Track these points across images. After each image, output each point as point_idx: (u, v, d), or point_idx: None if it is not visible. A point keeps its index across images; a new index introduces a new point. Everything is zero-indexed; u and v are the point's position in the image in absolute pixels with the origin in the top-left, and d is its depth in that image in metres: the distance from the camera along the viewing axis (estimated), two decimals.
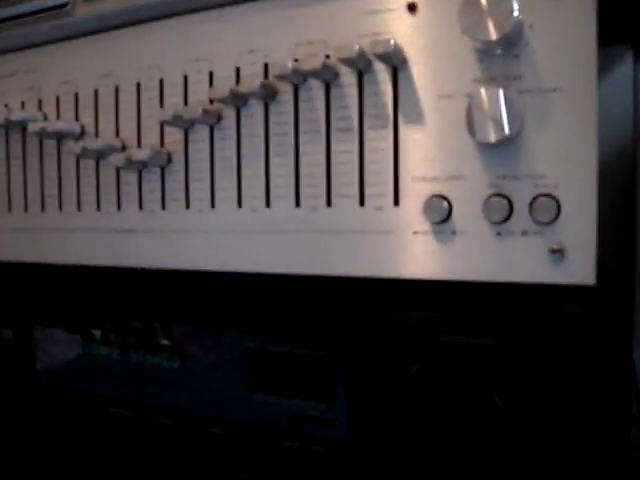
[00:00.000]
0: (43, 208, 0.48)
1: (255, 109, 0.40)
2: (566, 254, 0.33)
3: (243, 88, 0.38)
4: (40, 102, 0.48)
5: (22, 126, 0.48)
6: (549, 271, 0.33)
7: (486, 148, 0.34)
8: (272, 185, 0.39)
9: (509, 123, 0.32)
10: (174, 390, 0.44)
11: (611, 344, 0.38)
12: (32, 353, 0.50)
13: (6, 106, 0.49)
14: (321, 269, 0.38)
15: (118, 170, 0.44)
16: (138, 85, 0.44)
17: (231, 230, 0.40)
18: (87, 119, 0.46)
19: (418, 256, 0.36)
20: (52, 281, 0.50)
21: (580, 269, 0.33)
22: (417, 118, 0.36)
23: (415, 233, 0.36)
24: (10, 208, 0.50)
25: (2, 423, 0.52)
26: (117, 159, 0.42)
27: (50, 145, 0.48)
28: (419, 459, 0.37)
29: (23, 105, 0.49)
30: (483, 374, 0.35)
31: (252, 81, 0.37)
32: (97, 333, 0.48)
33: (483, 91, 0.32)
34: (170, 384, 0.44)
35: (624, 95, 0.56)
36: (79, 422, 0.48)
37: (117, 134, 0.45)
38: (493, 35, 0.32)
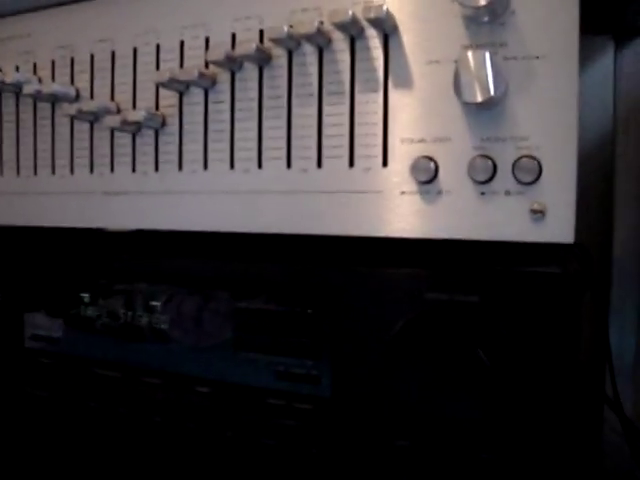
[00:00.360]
0: (35, 171, 0.49)
1: (249, 73, 0.41)
2: (546, 214, 0.35)
3: (239, 51, 0.39)
4: (35, 66, 0.49)
5: (16, 90, 0.49)
6: (530, 230, 0.35)
7: (471, 111, 0.36)
8: (264, 147, 0.41)
9: (494, 85, 0.34)
10: (161, 351, 0.45)
11: (586, 308, 0.40)
12: (20, 317, 0.51)
13: (0, 70, 0.50)
14: (311, 229, 0.39)
15: (112, 133, 0.45)
16: (134, 50, 0.45)
17: (223, 191, 0.42)
18: (82, 83, 0.47)
19: (405, 215, 0.37)
20: (41, 244, 0.50)
21: (559, 228, 0.35)
22: (406, 83, 0.37)
23: (402, 193, 0.37)
24: (2, 171, 0.51)
25: None
26: (112, 120, 0.43)
27: (43, 109, 0.49)
28: (403, 415, 0.38)
29: (17, 69, 0.50)
30: (466, 330, 0.36)
31: (248, 45, 0.39)
32: (85, 295, 0.48)
33: (470, 54, 0.34)
34: (157, 345, 0.45)
35: (605, 84, 0.59)
36: (65, 385, 0.49)
37: (112, 98, 0.46)
38: (481, 1, 0.34)
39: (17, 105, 0.50)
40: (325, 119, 0.39)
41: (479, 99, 0.34)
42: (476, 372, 0.36)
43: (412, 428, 0.38)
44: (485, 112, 0.36)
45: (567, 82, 0.34)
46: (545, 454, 0.36)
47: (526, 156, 0.35)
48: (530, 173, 0.35)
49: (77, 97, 0.47)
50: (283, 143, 0.40)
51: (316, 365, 0.40)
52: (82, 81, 0.47)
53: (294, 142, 0.40)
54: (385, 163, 0.38)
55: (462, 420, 0.37)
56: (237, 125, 0.41)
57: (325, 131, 0.39)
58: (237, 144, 0.41)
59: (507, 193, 0.35)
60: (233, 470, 0.43)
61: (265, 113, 0.41)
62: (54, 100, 0.47)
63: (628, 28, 0.61)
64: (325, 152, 0.39)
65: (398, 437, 0.38)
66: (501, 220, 0.36)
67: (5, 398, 0.52)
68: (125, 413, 0.47)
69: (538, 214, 0.35)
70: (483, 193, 0.36)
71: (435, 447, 0.37)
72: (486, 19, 0.35)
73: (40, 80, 0.48)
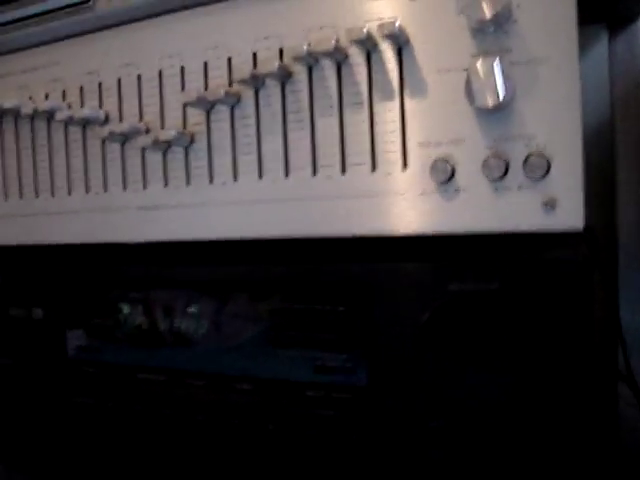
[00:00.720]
0: (70, 192, 0.52)
1: (272, 89, 0.44)
2: (557, 204, 0.38)
3: (262, 69, 0.42)
4: (64, 93, 0.52)
5: (47, 116, 0.52)
6: (543, 220, 0.38)
7: (483, 114, 0.39)
8: (290, 157, 0.44)
9: (503, 90, 0.37)
10: (202, 354, 0.48)
11: (597, 289, 0.43)
12: (62, 329, 0.54)
13: (30, 98, 0.53)
14: (338, 231, 0.43)
15: (143, 152, 0.49)
16: (160, 73, 0.48)
17: (253, 200, 0.45)
18: (110, 106, 0.50)
19: (425, 214, 0.41)
20: (78, 259, 0.54)
21: (569, 217, 0.38)
22: (421, 91, 0.41)
23: (422, 194, 0.41)
24: (37, 193, 0.54)
25: (36, 396, 0.56)
26: (143, 141, 0.46)
27: (75, 132, 0.52)
28: (435, 398, 0.41)
29: (47, 96, 0.53)
30: (488, 315, 0.40)
31: (270, 63, 0.42)
32: (124, 306, 0.52)
33: (480, 62, 0.37)
34: (198, 348, 0.48)
35: (600, 72, 0.62)
36: (109, 392, 0.52)
37: (140, 119, 0.49)
38: (487, 14, 0.37)
39: (49, 130, 0.53)
40: (346, 128, 0.42)
41: (490, 104, 0.37)
42: (500, 352, 0.39)
43: (444, 410, 0.41)
44: (495, 114, 0.39)
45: (569, 81, 0.37)
46: (565, 430, 0.39)
47: (535, 153, 0.38)
48: (539, 169, 0.38)
49: (106, 120, 0.50)
50: (308, 152, 0.43)
51: (351, 357, 0.43)
52: (110, 104, 0.50)
53: (318, 151, 0.43)
54: (405, 166, 0.41)
55: (489, 400, 0.40)
56: (263, 138, 0.45)
57: (347, 139, 0.42)
58: (264, 156, 0.45)
59: (519, 188, 0.39)
60: (276, 462, 0.47)
61: (289, 125, 0.44)
62: (85, 124, 0.51)
63: (621, 17, 0.64)
64: (348, 159, 0.42)
65: (431, 419, 0.42)
66: (515, 213, 0.39)
67: (52, 408, 0.55)
68: (170, 414, 0.50)
69: (549, 205, 0.38)
70: (497, 189, 0.39)
71: (466, 426, 0.41)
72: (491, 29, 0.39)
73: (70, 106, 0.52)
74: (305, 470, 0.46)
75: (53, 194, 0.53)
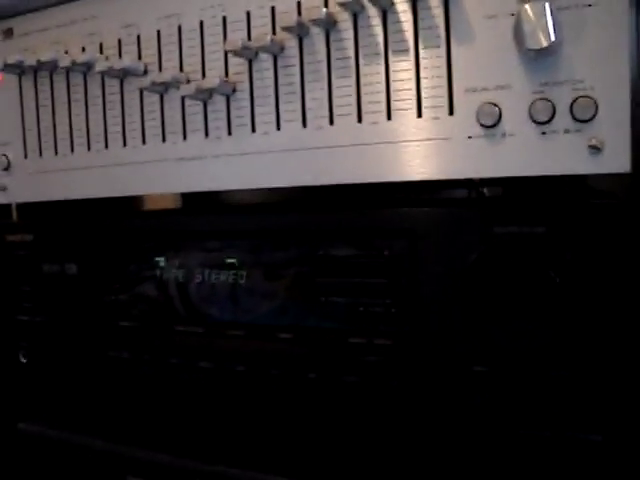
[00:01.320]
0: (107, 145, 0.53)
1: (316, 38, 0.45)
2: (603, 148, 0.39)
3: (308, 16, 0.43)
4: (101, 46, 0.53)
5: (84, 69, 0.53)
6: (589, 163, 0.39)
7: (529, 60, 0.40)
8: (335, 104, 0.45)
9: (555, 31, 0.38)
10: (242, 305, 0.49)
11: None
12: (96, 284, 0.55)
13: (66, 52, 0.54)
14: (384, 177, 0.44)
15: (183, 103, 0.49)
16: (201, 24, 0.49)
17: (297, 148, 0.46)
18: (149, 59, 0.51)
19: (472, 158, 0.42)
20: (113, 213, 0.54)
21: (617, 160, 0.39)
22: (467, 37, 0.41)
23: (469, 138, 0.42)
24: (73, 149, 0.55)
25: (71, 353, 0.57)
26: (186, 89, 0.47)
27: (112, 86, 0.52)
28: (479, 342, 0.42)
29: (83, 50, 0.53)
30: (533, 258, 0.41)
31: (317, 10, 0.43)
32: (160, 259, 0.53)
33: (529, 5, 0.38)
34: (237, 300, 0.49)
35: None
36: (146, 345, 0.53)
37: (180, 71, 0.49)
38: None
39: (85, 84, 0.54)
40: (392, 75, 0.43)
41: (544, 44, 0.38)
42: (546, 295, 0.40)
43: (488, 354, 0.42)
44: (542, 60, 0.40)
45: (617, 24, 0.38)
46: (608, 369, 0.40)
47: (582, 96, 0.39)
48: (586, 112, 0.39)
49: (145, 72, 0.51)
50: (353, 100, 0.44)
51: (394, 303, 0.44)
52: (149, 57, 0.51)
53: (364, 98, 0.44)
54: (451, 112, 0.42)
55: (534, 342, 0.41)
56: (307, 86, 0.45)
57: (393, 86, 0.43)
58: (308, 104, 0.45)
59: (566, 131, 0.40)
60: (317, 412, 0.47)
61: (334, 73, 0.45)
62: (123, 76, 0.51)
63: None
64: (394, 105, 0.43)
65: (475, 363, 0.43)
66: (562, 156, 0.40)
67: (87, 364, 0.56)
68: (207, 367, 0.51)
69: (595, 148, 0.39)
70: (544, 133, 0.40)
71: (510, 370, 0.42)
72: None
73: (107, 58, 0.52)
74: (346, 418, 0.47)
75: (89, 148, 0.54)
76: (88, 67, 0.52)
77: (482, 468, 0.43)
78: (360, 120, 0.44)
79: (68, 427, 0.57)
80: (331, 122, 0.45)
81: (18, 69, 0.55)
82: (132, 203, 0.55)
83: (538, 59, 0.40)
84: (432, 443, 0.44)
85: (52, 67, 0.54)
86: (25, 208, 0.62)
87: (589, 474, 0.41)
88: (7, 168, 0.58)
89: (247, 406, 0.50)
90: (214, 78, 0.46)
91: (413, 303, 0.44)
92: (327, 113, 0.45)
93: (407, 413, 0.44)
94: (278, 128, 0.46)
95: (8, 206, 0.62)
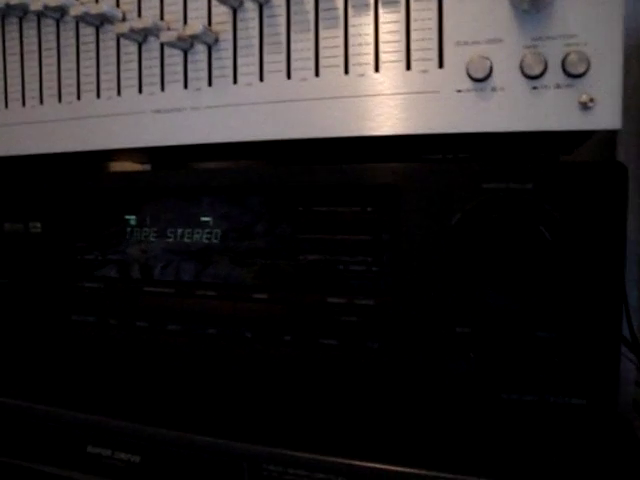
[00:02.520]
0: (79, 96, 0.51)
1: None
2: (595, 104, 0.39)
3: None
4: None
5: (57, 15, 0.51)
6: (579, 119, 0.39)
7: (521, 14, 0.40)
8: (321, 56, 0.44)
9: None
10: (215, 264, 0.48)
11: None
12: (62, 243, 0.53)
13: None
14: (371, 130, 0.43)
15: (162, 53, 0.48)
16: None
17: (281, 99, 0.45)
18: (127, 7, 0.49)
19: (461, 112, 0.41)
20: (82, 168, 0.52)
21: (607, 118, 0.39)
22: None
23: (459, 91, 0.41)
24: (42, 100, 0.53)
25: (33, 317, 0.54)
26: (167, 36, 0.45)
27: (86, 34, 0.51)
28: (463, 303, 0.42)
29: None
30: (522, 215, 0.40)
31: None
32: (130, 217, 0.51)
33: None
34: (210, 259, 0.48)
35: None
36: (112, 308, 0.51)
37: (161, 19, 0.48)
38: None
39: (57, 31, 0.52)
40: (381, 27, 0.43)
41: None
42: (535, 252, 0.40)
43: (472, 315, 0.42)
44: (534, 15, 0.40)
45: None
46: (593, 330, 0.40)
47: (575, 51, 0.39)
48: (578, 67, 0.39)
49: (123, 19, 0.49)
50: (340, 51, 0.43)
51: (376, 261, 0.43)
52: (127, 4, 0.49)
53: (351, 49, 0.43)
54: (441, 65, 0.41)
55: (520, 302, 0.40)
56: (293, 37, 0.44)
57: (382, 38, 0.43)
58: (293, 55, 0.44)
59: (557, 86, 0.39)
60: (293, 375, 0.46)
61: (321, 23, 0.44)
62: (100, 22, 0.49)
63: None
64: (382, 57, 0.43)
65: (459, 324, 0.42)
66: (552, 112, 0.40)
67: (50, 329, 0.53)
68: (177, 330, 0.49)
69: (587, 105, 0.39)
70: (535, 88, 0.40)
71: (495, 331, 0.41)
72: None
73: (82, 4, 0.50)
74: (323, 383, 0.45)
75: (60, 100, 0.52)
76: (62, 12, 0.50)
77: (464, 432, 0.42)
78: (347, 72, 0.43)
79: (26, 396, 0.54)
80: (317, 74, 0.44)
81: None
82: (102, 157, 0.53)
83: (531, 13, 0.40)
84: (413, 407, 0.43)
85: (22, 11, 0.52)
86: None
87: (572, 439, 0.40)
88: None
89: (218, 371, 0.48)
90: (197, 24, 0.45)
91: (396, 261, 0.43)
92: (313, 64, 0.44)
93: (388, 376, 0.43)
94: (261, 79, 0.45)
95: None
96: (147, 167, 0.70)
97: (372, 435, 0.44)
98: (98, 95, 0.50)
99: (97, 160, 0.65)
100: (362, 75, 0.43)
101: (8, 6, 0.51)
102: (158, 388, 0.51)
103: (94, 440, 0.50)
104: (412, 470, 0.41)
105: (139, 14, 0.49)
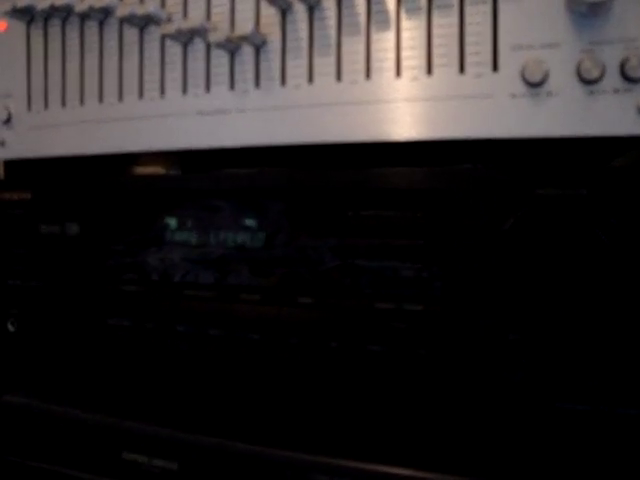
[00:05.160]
0: (121, 97, 0.52)
1: None
2: None
3: None
4: None
5: (101, 17, 0.51)
6: (638, 125, 0.39)
7: (579, 17, 0.40)
8: (372, 58, 0.44)
9: None
10: (259, 269, 0.48)
11: None
12: (103, 247, 0.53)
13: None
14: (422, 134, 0.43)
15: (208, 54, 0.48)
16: None
17: (330, 103, 0.45)
18: (172, 8, 0.50)
19: (515, 117, 0.41)
20: (121, 170, 0.53)
21: None
22: None
23: (513, 96, 0.41)
24: (82, 100, 0.53)
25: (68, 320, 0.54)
26: (215, 37, 0.46)
27: (130, 35, 0.51)
28: (517, 307, 0.42)
29: None
30: (575, 221, 0.40)
31: None
32: (172, 220, 0.51)
33: None
34: (255, 263, 0.48)
35: None
36: (151, 309, 0.51)
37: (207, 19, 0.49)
38: None
39: (101, 32, 0.52)
40: (434, 30, 0.43)
41: None
42: (592, 257, 0.40)
43: (525, 322, 0.41)
44: (591, 18, 0.40)
45: None
46: None
47: (635, 55, 0.39)
48: (639, 70, 0.39)
49: (168, 20, 0.50)
50: (392, 54, 0.44)
51: (426, 267, 0.43)
52: (172, 5, 0.50)
53: (403, 52, 0.43)
54: (495, 69, 0.42)
55: (575, 309, 0.40)
56: (344, 39, 0.45)
57: (434, 41, 0.43)
58: (344, 57, 0.45)
59: (615, 91, 0.40)
60: (338, 382, 0.46)
61: (373, 26, 0.44)
62: (144, 23, 0.50)
63: None
64: (435, 61, 0.43)
65: (510, 331, 0.42)
66: (609, 117, 0.40)
67: (85, 333, 0.54)
68: (218, 335, 0.49)
69: None
70: (592, 92, 0.40)
71: (548, 338, 0.41)
72: None
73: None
74: (368, 390, 0.45)
75: (101, 100, 0.52)
76: (106, 13, 0.51)
77: (514, 441, 0.42)
78: (399, 75, 0.44)
79: (60, 400, 0.54)
80: (367, 76, 0.44)
81: (27, 15, 0.54)
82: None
83: (588, 17, 0.40)
84: (462, 417, 0.43)
85: (66, 13, 0.52)
86: (13, 166, 0.60)
87: (627, 450, 0.40)
88: (8, 121, 0.56)
89: (260, 377, 0.48)
90: (247, 25, 0.45)
91: (446, 267, 0.43)
92: (363, 67, 0.44)
93: (436, 384, 0.43)
94: (310, 81, 0.46)
95: None
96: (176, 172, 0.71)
97: (420, 444, 0.44)
98: (141, 96, 0.51)
99: (121, 165, 0.66)
100: (415, 79, 0.43)
101: (53, 7, 0.52)
102: (197, 394, 0.51)
103: (130, 446, 0.50)
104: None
105: (184, 15, 0.49)
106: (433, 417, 0.44)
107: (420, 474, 0.42)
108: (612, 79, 0.40)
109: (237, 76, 0.48)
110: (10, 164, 0.61)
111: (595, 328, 0.40)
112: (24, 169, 0.60)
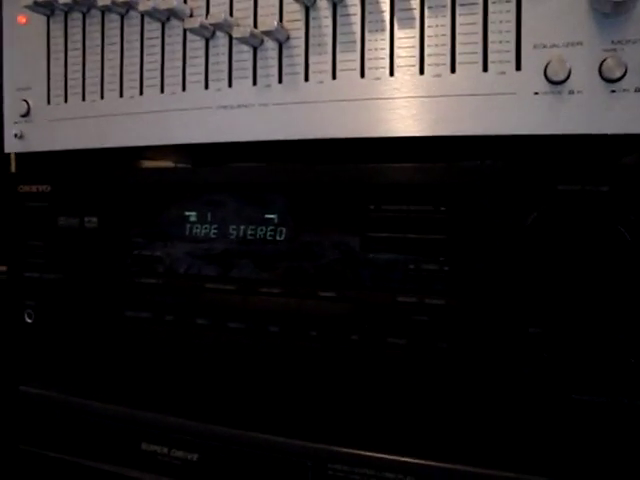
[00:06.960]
0: (142, 91, 0.52)
1: None
2: None
3: None
4: None
5: (122, 11, 0.52)
6: None
7: (601, 18, 0.41)
8: (396, 55, 0.45)
9: None
10: (281, 262, 0.48)
11: None
12: (123, 238, 0.54)
13: None
14: (445, 130, 0.44)
15: (230, 48, 0.49)
16: None
17: (354, 98, 0.46)
18: (194, 3, 0.50)
19: (538, 114, 0.42)
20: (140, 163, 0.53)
21: None
22: None
23: (536, 94, 0.42)
24: (102, 94, 0.54)
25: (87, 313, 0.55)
26: (239, 32, 0.46)
27: (151, 29, 0.52)
28: (538, 301, 0.43)
29: None
30: (595, 219, 0.41)
31: None
32: (192, 213, 0.52)
33: None
34: (276, 256, 0.49)
35: None
36: (170, 301, 0.52)
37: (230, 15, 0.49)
38: None
39: (122, 26, 0.53)
40: (458, 28, 0.44)
41: None
42: (610, 254, 0.41)
43: (546, 316, 0.42)
44: (614, 18, 0.41)
45: None
46: None
47: None
48: None
49: (191, 15, 0.50)
50: (415, 52, 0.44)
51: (449, 261, 0.44)
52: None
53: (427, 50, 0.44)
54: (518, 67, 0.43)
55: (596, 303, 0.41)
56: (368, 36, 0.46)
57: (458, 39, 0.44)
58: (368, 54, 0.46)
59: (637, 90, 0.41)
60: (358, 377, 0.47)
61: (397, 23, 0.45)
62: (167, 18, 0.51)
63: None
64: (458, 58, 0.44)
65: (532, 325, 0.43)
66: (631, 115, 0.41)
67: (102, 324, 0.54)
68: (238, 327, 0.50)
69: None
70: (614, 91, 0.41)
71: (569, 331, 0.42)
72: None
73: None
74: (388, 383, 0.46)
75: (122, 94, 0.53)
76: (128, 7, 0.51)
77: (534, 433, 0.43)
78: (422, 72, 0.44)
79: (76, 392, 0.55)
80: (391, 73, 0.45)
81: (48, 8, 0.54)
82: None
83: (611, 16, 0.41)
84: (482, 408, 0.44)
85: (88, 6, 0.53)
86: (26, 158, 0.60)
87: None
88: (27, 114, 0.56)
89: (280, 369, 0.49)
90: (271, 20, 0.46)
91: (468, 261, 0.44)
92: (387, 63, 0.45)
93: (456, 377, 0.44)
94: (334, 77, 0.46)
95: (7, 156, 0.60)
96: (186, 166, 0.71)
97: (440, 435, 0.45)
98: (162, 90, 0.51)
99: (128, 158, 0.66)
100: (438, 76, 0.44)
101: (74, 1, 0.52)
102: (217, 385, 0.52)
103: (149, 437, 0.51)
104: (482, 470, 0.42)
105: (207, 10, 0.50)
106: (453, 410, 0.45)
107: (440, 464, 0.43)
108: (634, 78, 0.41)
109: (260, 71, 0.48)
110: (21, 157, 0.61)
111: (616, 323, 0.41)
112: (35, 162, 0.60)
